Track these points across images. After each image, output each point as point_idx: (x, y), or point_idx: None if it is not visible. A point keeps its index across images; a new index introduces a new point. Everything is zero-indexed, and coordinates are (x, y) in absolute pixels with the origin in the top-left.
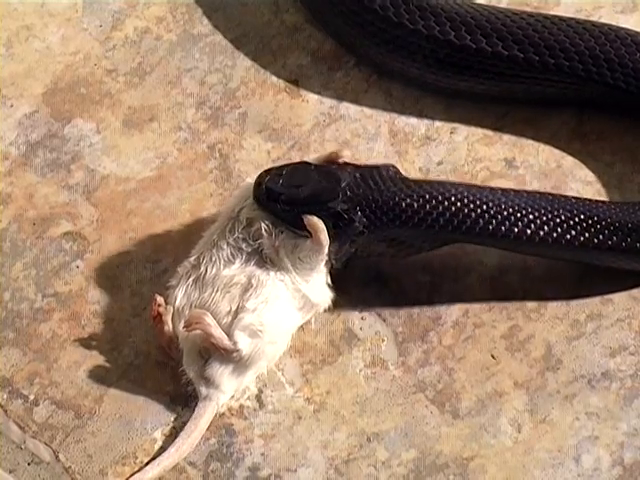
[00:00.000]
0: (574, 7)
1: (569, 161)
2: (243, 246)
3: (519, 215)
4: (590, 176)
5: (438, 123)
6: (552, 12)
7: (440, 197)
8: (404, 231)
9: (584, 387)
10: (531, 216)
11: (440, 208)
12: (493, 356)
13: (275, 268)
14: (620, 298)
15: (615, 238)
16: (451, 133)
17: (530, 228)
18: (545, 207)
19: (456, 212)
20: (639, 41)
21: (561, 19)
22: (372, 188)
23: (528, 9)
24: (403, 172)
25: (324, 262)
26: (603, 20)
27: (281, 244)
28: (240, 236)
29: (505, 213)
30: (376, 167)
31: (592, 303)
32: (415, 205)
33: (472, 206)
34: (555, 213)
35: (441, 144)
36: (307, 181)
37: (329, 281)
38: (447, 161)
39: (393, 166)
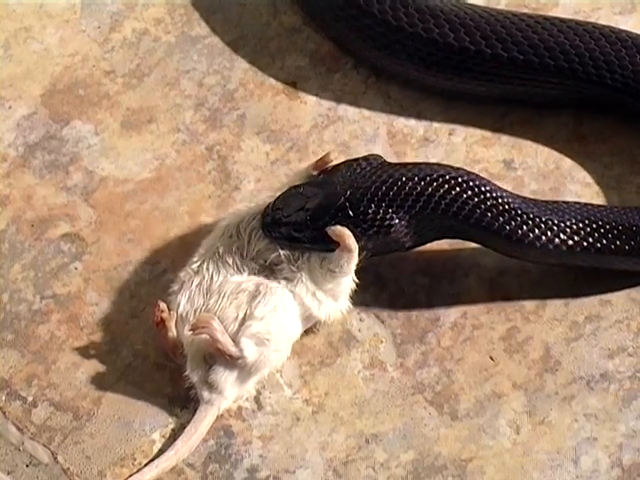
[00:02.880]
0: (572, 8)
1: (568, 162)
2: (252, 264)
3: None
4: (589, 177)
5: (436, 124)
6: (551, 13)
7: (441, 178)
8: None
9: (583, 388)
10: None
11: (441, 190)
12: (492, 357)
13: (286, 281)
14: (618, 299)
15: (618, 242)
16: (450, 134)
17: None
18: (549, 212)
19: (459, 194)
20: (639, 44)
21: (561, 20)
22: (365, 178)
23: (527, 10)
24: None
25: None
26: (601, 21)
27: (304, 266)
28: (249, 258)
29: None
30: (363, 158)
31: (590, 304)
32: (419, 187)
33: (474, 191)
34: (559, 219)
35: (440, 145)
36: (306, 200)
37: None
38: (446, 162)
39: (378, 155)
